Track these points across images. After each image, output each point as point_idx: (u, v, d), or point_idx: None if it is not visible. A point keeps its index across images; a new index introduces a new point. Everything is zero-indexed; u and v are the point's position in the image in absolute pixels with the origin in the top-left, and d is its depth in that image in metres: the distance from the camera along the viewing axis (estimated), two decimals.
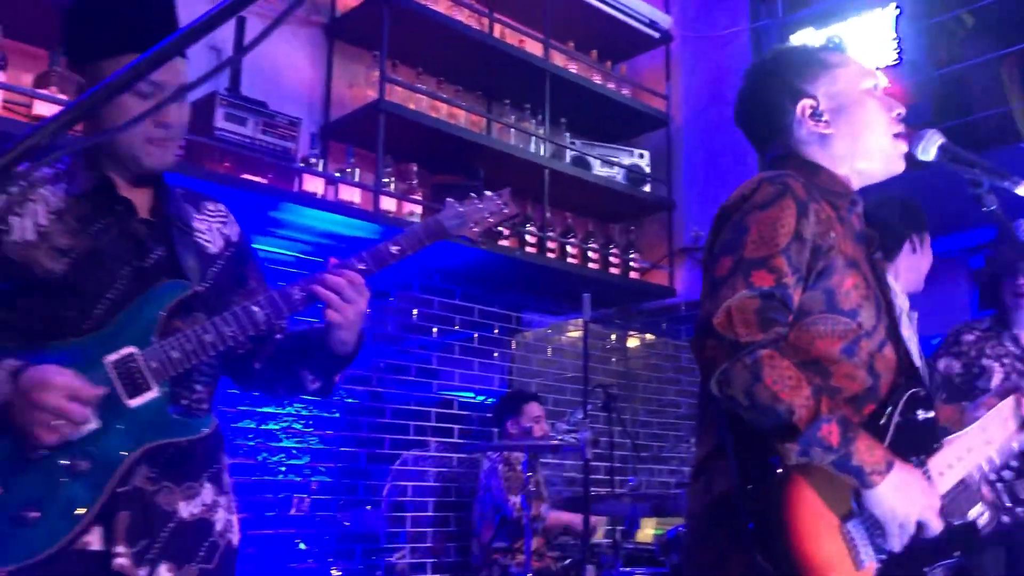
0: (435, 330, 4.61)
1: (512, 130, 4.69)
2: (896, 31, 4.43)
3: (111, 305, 1.63)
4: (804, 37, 4.81)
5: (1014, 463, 2.68)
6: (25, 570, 1.49)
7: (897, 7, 4.43)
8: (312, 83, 4.23)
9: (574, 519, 4.14)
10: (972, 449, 1.72)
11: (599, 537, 4.59)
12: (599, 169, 4.94)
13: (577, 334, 5.17)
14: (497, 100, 4.86)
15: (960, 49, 4.33)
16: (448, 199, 1.91)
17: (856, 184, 1.79)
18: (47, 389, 1.48)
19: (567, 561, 3.94)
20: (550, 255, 4.63)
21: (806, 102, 1.76)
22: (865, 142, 1.76)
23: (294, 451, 3.96)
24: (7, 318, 1.62)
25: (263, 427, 3.86)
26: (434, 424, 4.53)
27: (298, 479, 3.95)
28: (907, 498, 1.51)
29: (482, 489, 4.23)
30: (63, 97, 3.22)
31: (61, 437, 1.50)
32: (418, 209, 4.16)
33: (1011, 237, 2.13)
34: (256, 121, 3.61)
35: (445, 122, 4.29)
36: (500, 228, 4.44)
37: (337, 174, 3.97)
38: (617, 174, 5.01)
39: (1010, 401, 1.82)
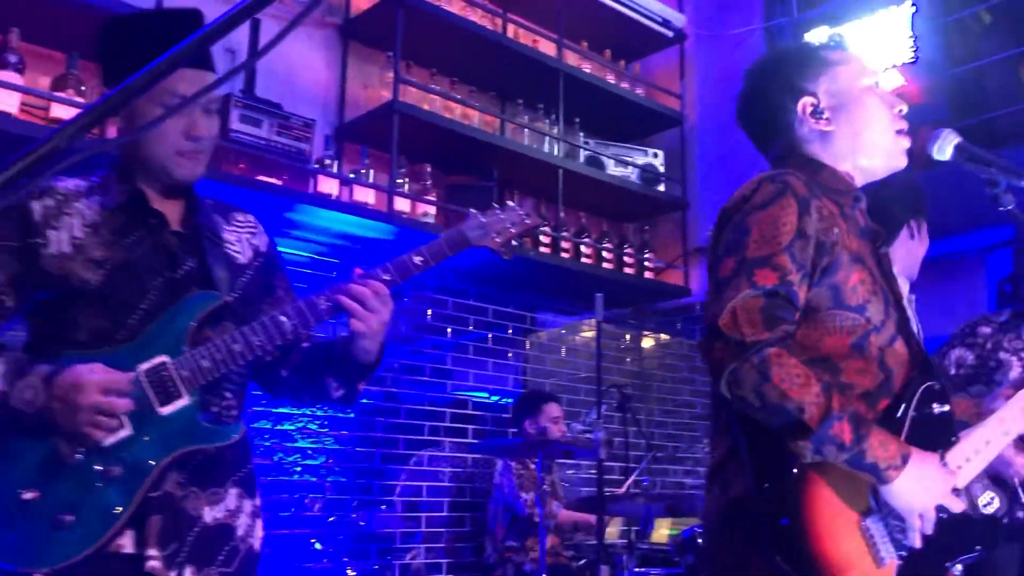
0: (449, 330, 4.61)
1: (526, 130, 4.69)
2: (912, 29, 4.40)
3: (144, 315, 1.68)
4: (818, 35, 4.78)
5: None
6: (61, 572, 1.53)
7: (913, 5, 4.40)
8: (326, 84, 4.25)
9: (584, 517, 4.14)
10: (991, 441, 1.72)
11: (613, 537, 4.59)
12: (613, 169, 4.93)
13: (591, 334, 5.17)
14: (511, 100, 4.86)
15: (977, 47, 4.30)
16: (471, 210, 1.95)
17: (859, 181, 1.79)
18: (82, 389, 1.53)
19: (582, 561, 3.93)
20: (564, 255, 4.62)
21: (807, 100, 1.76)
22: (866, 139, 1.76)
23: (309, 451, 3.98)
24: (45, 328, 1.69)
25: (278, 427, 3.87)
26: (448, 424, 4.53)
27: (313, 479, 3.97)
28: (926, 489, 1.51)
29: (495, 488, 4.23)
30: (80, 100, 3.24)
31: (109, 430, 1.56)
32: (432, 210, 4.17)
33: None
34: (271, 123, 3.62)
35: (459, 122, 4.30)
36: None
37: (351, 175, 3.98)
38: (631, 174, 5.01)
39: None
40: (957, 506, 1.56)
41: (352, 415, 4.14)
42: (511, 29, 4.83)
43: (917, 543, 1.52)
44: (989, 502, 1.72)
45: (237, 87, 3.66)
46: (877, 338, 1.61)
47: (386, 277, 1.79)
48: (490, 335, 4.79)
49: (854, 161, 1.77)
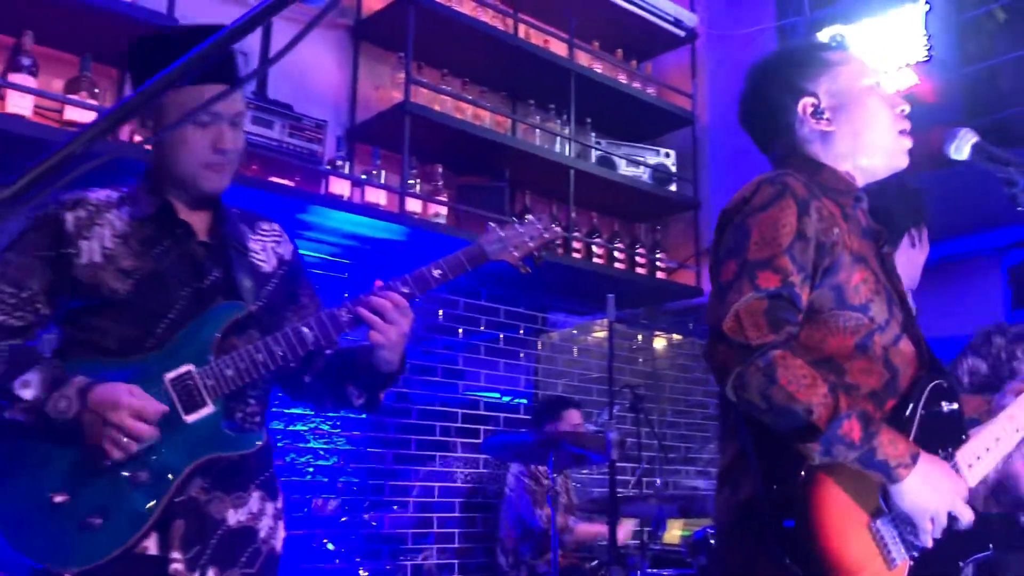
0: (461, 331, 4.61)
1: (537, 130, 4.69)
2: (925, 27, 4.38)
3: (171, 324, 1.74)
4: (831, 34, 4.76)
5: None
6: (89, 572, 1.60)
7: (927, 3, 4.38)
8: (338, 85, 4.25)
9: (603, 530, 4.13)
10: (1001, 439, 1.70)
11: (625, 538, 4.58)
12: (624, 169, 4.92)
13: (603, 334, 5.16)
14: (522, 100, 4.86)
15: (991, 45, 4.27)
16: (490, 223, 1.98)
17: (860, 181, 1.78)
18: (116, 408, 1.59)
19: (594, 562, 3.93)
20: (576, 255, 4.62)
21: (807, 100, 1.76)
22: (867, 139, 1.75)
23: (321, 452, 3.98)
24: (76, 335, 1.76)
25: (291, 428, 3.88)
26: (460, 425, 4.53)
27: (325, 480, 3.97)
28: (936, 490, 1.49)
29: (507, 499, 4.22)
30: (94, 103, 3.25)
31: (126, 453, 1.62)
32: (443, 210, 4.17)
33: None
34: (283, 124, 3.63)
35: (470, 123, 4.30)
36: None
37: (363, 176, 3.99)
38: (643, 173, 5.00)
39: None
40: (968, 516, 1.54)
41: (364, 416, 4.14)
42: (522, 29, 4.82)
43: (928, 543, 1.51)
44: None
45: (249, 89, 3.67)
46: (881, 337, 1.60)
47: (405, 290, 1.84)
48: (502, 335, 4.79)
49: (855, 161, 1.76)
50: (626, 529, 4.23)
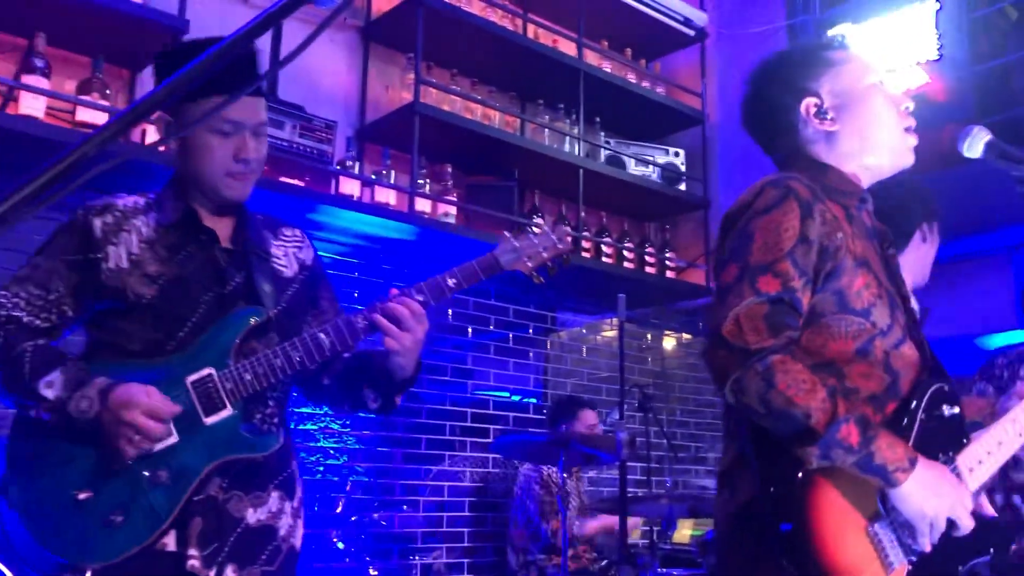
0: (470, 330, 4.62)
1: (546, 130, 4.69)
2: (936, 26, 4.36)
3: (193, 328, 1.79)
4: (841, 33, 4.75)
5: None
6: (110, 567, 1.66)
7: (937, 1, 4.36)
8: (348, 86, 4.26)
9: (607, 522, 4.13)
10: (1003, 443, 1.69)
11: (635, 537, 4.58)
12: (634, 168, 4.92)
13: (612, 334, 5.16)
14: (531, 100, 4.86)
15: (1003, 43, 4.25)
16: (505, 232, 2.01)
17: (865, 181, 1.77)
18: (131, 407, 1.64)
19: (604, 562, 3.93)
20: (585, 255, 4.62)
21: (810, 100, 1.75)
22: (872, 137, 1.74)
23: (331, 451, 3.99)
24: (102, 337, 1.81)
25: (301, 427, 3.89)
26: (469, 424, 4.54)
27: (335, 479, 3.98)
28: (935, 495, 1.48)
29: (517, 498, 4.22)
30: (105, 104, 3.27)
31: (140, 451, 1.67)
32: (452, 210, 4.18)
33: None
34: (293, 124, 3.64)
35: (479, 123, 4.30)
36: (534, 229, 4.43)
37: (373, 176, 4.00)
38: (652, 173, 4.99)
39: None
40: (968, 523, 1.53)
41: (363, 414, 4.15)
42: (531, 29, 4.83)
43: (927, 548, 1.51)
44: None
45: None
46: (882, 342, 1.59)
47: (420, 298, 1.87)
48: (511, 335, 4.79)
49: (860, 160, 1.75)
50: (634, 522, 4.23)
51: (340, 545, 3.97)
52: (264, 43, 3.70)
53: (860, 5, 4.72)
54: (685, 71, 5.46)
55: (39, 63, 3.18)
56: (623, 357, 3.51)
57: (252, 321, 1.80)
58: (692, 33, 5.24)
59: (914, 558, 1.52)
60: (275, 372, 1.78)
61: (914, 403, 1.59)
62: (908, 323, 1.68)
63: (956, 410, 1.64)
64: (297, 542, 1.92)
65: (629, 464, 4.33)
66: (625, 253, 4.92)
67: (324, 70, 4.17)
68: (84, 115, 3.21)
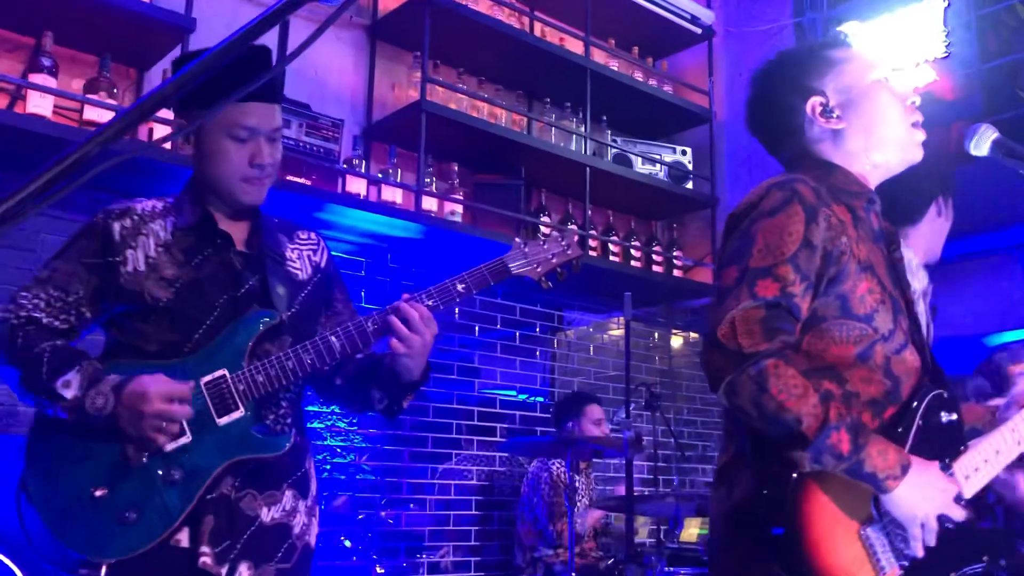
0: (477, 328, 4.62)
1: (553, 128, 4.69)
2: (944, 24, 4.34)
3: (208, 330, 1.83)
4: (849, 31, 4.73)
5: None
6: (124, 562, 1.70)
7: None
8: (354, 85, 4.27)
9: (604, 513, 4.13)
10: (1001, 451, 1.68)
11: (642, 536, 4.58)
12: (641, 166, 4.91)
13: (619, 332, 5.15)
14: (538, 99, 4.86)
15: (1011, 41, 4.23)
16: (516, 239, 2.03)
17: (873, 180, 1.76)
18: (146, 398, 1.68)
19: (611, 560, 3.92)
20: (592, 253, 4.61)
21: (815, 99, 1.74)
22: (879, 133, 1.73)
23: (338, 449, 4.00)
24: (121, 339, 1.86)
25: (308, 426, 3.89)
26: (476, 423, 4.54)
27: (342, 477, 3.99)
28: (926, 498, 1.49)
29: (525, 496, 4.22)
30: (112, 102, 3.28)
31: (169, 436, 1.72)
32: (459, 208, 4.18)
33: None
34: (300, 123, 3.65)
35: (486, 121, 4.30)
36: (542, 227, 4.44)
37: (379, 175, 4.00)
38: (659, 171, 4.98)
39: None
40: (959, 514, 1.53)
41: (372, 414, 4.15)
42: (538, 28, 4.82)
43: (919, 552, 1.51)
44: None
45: None
46: (884, 347, 1.59)
47: (430, 302, 1.89)
48: (517, 333, 4.79)
49: (868, 158, 1.73)
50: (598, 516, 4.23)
51: (347, 543, 3.97)
52: (271, 42, 3.71)
53: (868, 2, 4.71)
54: (692, 69, 5.45)
55: (46, 62, 3.19)
56: (629, 356, 3.51)
57: (261, 325, 1.84)
58: (699, 31, 5.23)
59: (906, 563, 1.51)
60: (287, 374, 1.81)
61: (912, 409, 1.59)
62: (912, 328, 1.67)
63: (954, 417, 1.63)
64: (312, 540, 1.96)
65: (636, 463, 4.34)
66: (632, 252, 4.91)
67: (331, 68, 4.17)
68: (91, 114, 3.22)
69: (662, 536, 3.97)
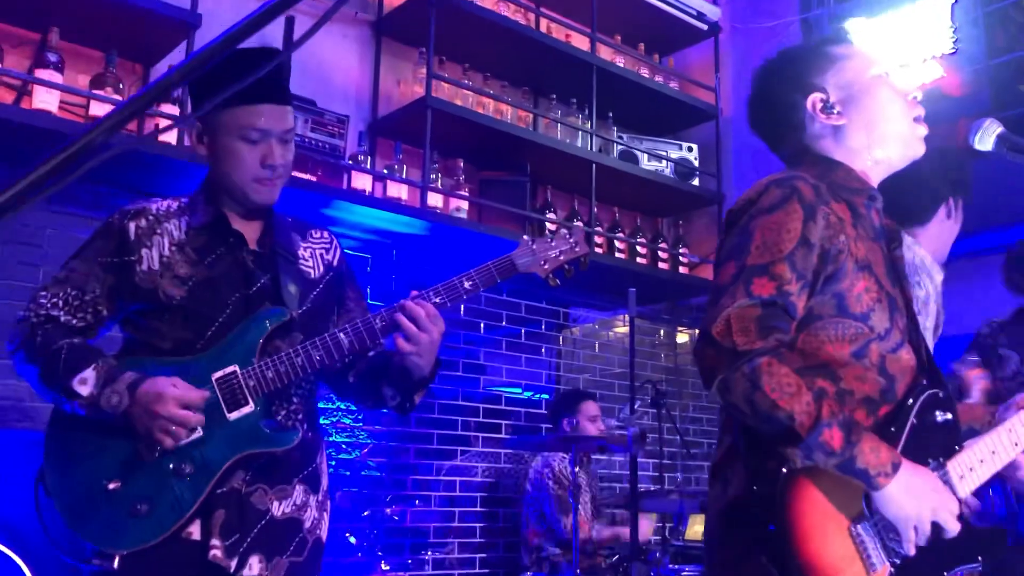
0: (482, 326, 4.61)
1: (559, 125, 4.68)
2: (952, 20, 4.32)
3: (221, 328, 1.87)
4: (855, 27, 4.72)
5: None
6: (137, 554, 1.74)
7: None
8: (360, 81, 4.26)
9: (622, 532, 4.13)
10: (997, 451, 1.67)
11: (647, 533, 4.57)
12: (647, 163, 4.90)
13: (624, 329, 5.15)
14: (544, 95, 4.85)
15: (1018, 37, 4.21)
16: (524, 236, 2.05)
17: (875, 176, 1.76)
18: (162, 400, 1.73)
19: (615, 557, 3.92)
20: (598, 250, 4.61)
21: (816, 96, 1.74)
22: (881, 128, 1.72)
23: (343, 446, 4.00)
24: (137, 336, 1.90)
25: None
26: (481, 420, 4.54)
27: (347, 473, 3.99)
28: (917, 499, 1.48)
29: (530, 494, 4.21)
30: (118, 98, 3.28)
31: (177, 440, 1.76)
32: (465, 205, 4.17)
33: None
34: (305, 119, 3.65)
35: (491, 118, 4.29)
36: (547, 224, 4.43)
37: (385, 171, 4.00)
38: (665, 168, 4.97)
39: None
40: (953, 527, 1.52)
41: (385, 410, 4.16)
42: (544, 24, 4.81)
43: (911, 551, 1.50)
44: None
45: None
46: (879, 346, 1.59)
47: (437, 299, 1.91)
48: (523, 330, 4.79)
49: (870, 154, 1.73)
50: (647, 525, 4.22)
51: (352, 539, 3.97)
52: (276, 40, 3.70)
53: None
54: (699, 66, 5.44)
55: (52, 57, 3.19)
56: (634, 353, 3.50)
57: (269, 323, 1.87)
58: (706, 27, 5.22)
59: (897, 561, 1.51)
60: (296, 370, 1.84)
61: (906, 408, 1.58)
62: (909, 327, 1.67)
63: (949, 416, 1.63)
64: (323, 534, 1.99)
65: (641, 460, 4.33)
66: (638, 248, 4.91)
67: (336, 64, 4.17)
68: (97, 109, 3.22)
69: (667, 533, 3.96)
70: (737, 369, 1.46)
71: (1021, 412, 1.74)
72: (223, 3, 3.61)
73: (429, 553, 4.24)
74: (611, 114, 4.91)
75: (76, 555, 1.78)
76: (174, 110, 3.37)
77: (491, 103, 4.47)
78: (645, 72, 5.05)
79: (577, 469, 3.55)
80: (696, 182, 5.10)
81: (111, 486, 1.76)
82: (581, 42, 4.78)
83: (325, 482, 2.02)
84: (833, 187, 1.66)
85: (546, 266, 2.02)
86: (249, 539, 1.82)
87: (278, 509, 1.87)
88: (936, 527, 1.50)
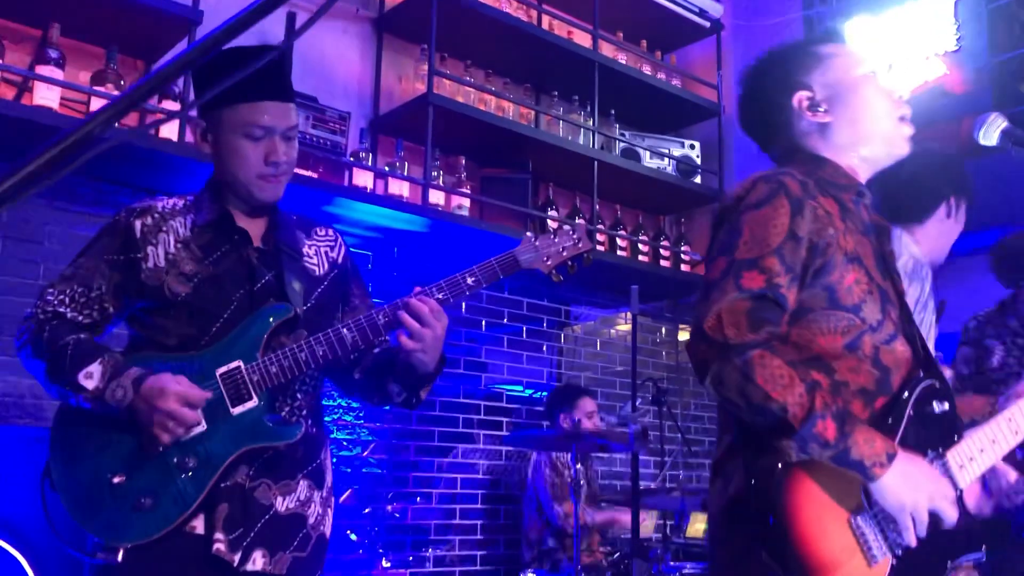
0: (483, 323, 4.61)
1: (561, 122, 4.67)
2: (955, 16, 4.31)
3: (225, 324, 1.88)
4: (858, 24, 4.71)
5: None
6: (140, 547, 1.76)
7: None
8: (361, 77, 4.26)
9: (616, 515, 4.13)
10: (997, 441, 1.68)
11: (649, 530, 4.57)
12: (649, 161, 4.90)
13: (626, 327, 5.14)
14: (546, 92, 4.84)
15: (1021, 34, 4.20)
16: (527, 233, 2.06)
17: (863, 174, 1.78)
18: (164, 396, 1.74)
19: (616, 555, 3.92)
20: (600, 248, 4.60)
21: (803, 94, 1.76)
22: (866, 127, 1.74)
23: (345, 443, 4.00)
24: (143, 333, 1.93)
25: None
26: (483, 417, 4.54)
27: (348, 470, 3.99)
28: (914, 488, 1.48)
29: (529, 487, 4.23)
30: (119, 95, 3.27)
31: (174, 436, 1.77)
32: (466, 202, 4.16)
33: None
34: (306, 116, 3.64)
35: (493, 115, 4.29)
36: (549, 221, 4.43)
37: (386, 168, 3.99)
38: (667, 165, 4.96)
39: None
40: (952, 514, 1.52)
41: (387, 407, 4.16)
42: (546, 20, 4.80)
43: (912, 542, 1.50)
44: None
45: None
46: (872, 337, 1.59)
47: (440, 295, 1.93)
48: (524, 328, 4.78)
49: (856, 151, 1.75)
50: (647, 519, 4.22)
51: (353, 536, 3.97)
52: (277, 36, 3.70)
53: None
54: (701, 63, 5.43)
55: (53, 54, 3.18)
56: (635, 350, 3.50)
57: (272, 319, 1.88)
58: (708, 25, 5.21)
59: (899, 552, 1.50)
60: (299, 365, 1.85)
61: (903, 399, 1.59)
62: (902, 319, 1.67)
63: (946, 407, 1.63)
64: (327, 530, 2.00)
65: (643, 458, 4.32)
66: (640, 246, 4.90)
67: (337, 61, 4.17)
68: (98, 106, 3.21)
69: (668, 531, 3.96)
70: (729, 362, 1.47)
71: (1021, 400, 1.74)
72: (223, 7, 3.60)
73: (430, 550, 4.24)
74: (613, 111, 4.91)
75: (80, 549, 1.80)
76: (175, 106, 3.36)
77: (493, 100, 4.46)
78: (647, 69, 5.04)
79: (579, 466, 3.55)
80: (698, 180, 5.09)
81: (116, 480, 1.77)
82: (583, 39, 4.77)
83: (329, 478, 2.03)
84: (821, 183, 1.68)
85: (549, 262, 2.03)
86: (253, 534, 1.82)
87: (282, 504, 1.88)
88: (934, 516, 1.50)
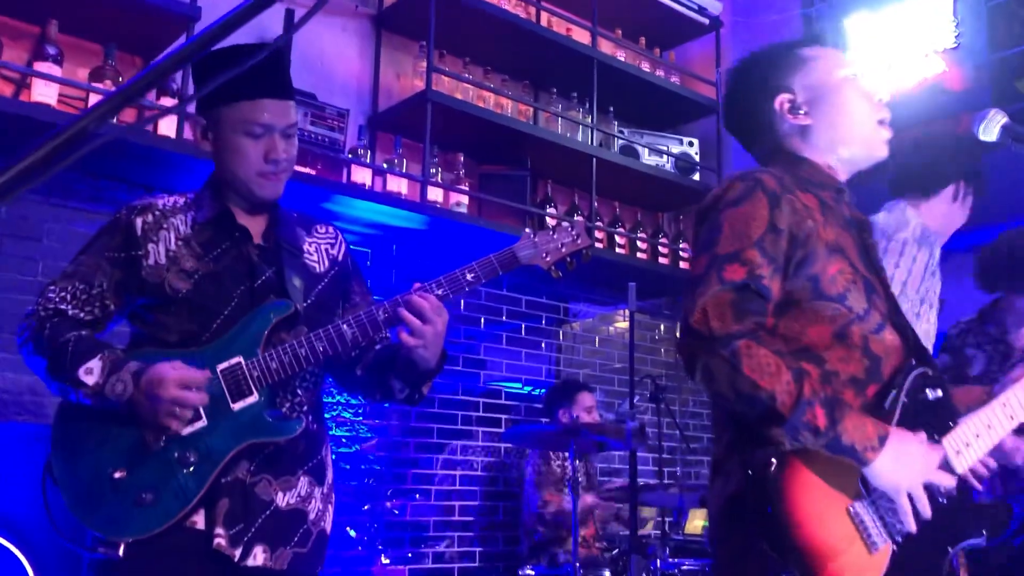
0: (482, 320, 4.61)
1: (559, 119, 4.67)
2: (954, 13, 4.31)
3: (226, 320, 1.89)
4: (857, 21, 4.70)
5: None
6: (141, 542, 1.76)
7: None
8: (360, 74, 4.26)
9: (598, 503, 4.13)
10: (992, 426, 1.69)
11: (649, 528, 4.57)
12: (647, 158, 4.90)
13: (624, 324, 5.14)
14: (544, 89, 4.84)
15: (1020, 31, 4.20)
16: (526, 229, 2.06)
17: (843, 174, 1.80)
18: (163, 384, 1.74)
19: (614, 551, 3.92)
20: (598, 245, 4.60)
21: (783, 96, 1.79)
22: (845, 129, 1.77)
23: (344, 440, 4.00)
24: (144, 330, 1.94)
25: None
26: (481, 414, 4.54)
27: (347, 467, 3.99)
28: (908, 466, 1.49)
29: (525, 482, 4.24)
30: (115, 90, 3.27)
31: (183, 420, 1.78)
32: (465, 199, 4.16)
33: None
34: (305, 113, 3.64)
35: (492, 112, 4.29)
36: (548, 219, 4.43)
37: (385, 165, 3.99)
38: (666, 162, 4.96)
39: None
40: (947, 481, 1.54)
41: (386, 404, 4.16)
42: (544, 17, 4.80)
43: (911, 526, 1.50)
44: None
45: None
46: (860, 327, 1.61)
47: (439, 292, 1.93)
48: (523, 325, 4.79)
49: (835, 153, 1.78)
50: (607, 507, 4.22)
51: (352, 533, 3.98)
52: (278, 32, 3.70)
53: None
54: (700, 60, 5.43)
55: (51, 50, 3.18)
56: (634, 348, 3.50)
57: (272, 316, 1.89)
58: (707, 22, 5.20)
59: (900, 539, 1.51)
60: (299, 361, 1.86)
61: (896, 387, 1.60)
62: (889, 309, 1.68)
63: (940, 393, 1.64)
64: (327, 526, 2.00)
65: (641, 455, 4.32)
66: (638, 243, 4.90)
67: (336, 58, 4.16)
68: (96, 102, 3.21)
69: (667, 528, 3.96)
70: (716, 354, 1.48)
71: (1015, 385, 1.75)
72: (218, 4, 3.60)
73: (429, 547, 4.24)
74: (612, 108, 4.90)
75: (82, 543, 1.81)
76: (172, 102, 3.36)
77: (491, 97, 4.46)
78: (646, 66, 5.04)
79: (577, 461, 3.55)
80: (697, 177, 5.09)
81: (117, 475, 1.78)
82: (582, 36, 4.76)
83: (330, 475, 2.04)
84: (799, 180, 1.71)
85: (548, 258, 2.03)
86: (253, 529, 1.83)
87: (283, 500, 1.89)
88: (931, 490, 1.51)
